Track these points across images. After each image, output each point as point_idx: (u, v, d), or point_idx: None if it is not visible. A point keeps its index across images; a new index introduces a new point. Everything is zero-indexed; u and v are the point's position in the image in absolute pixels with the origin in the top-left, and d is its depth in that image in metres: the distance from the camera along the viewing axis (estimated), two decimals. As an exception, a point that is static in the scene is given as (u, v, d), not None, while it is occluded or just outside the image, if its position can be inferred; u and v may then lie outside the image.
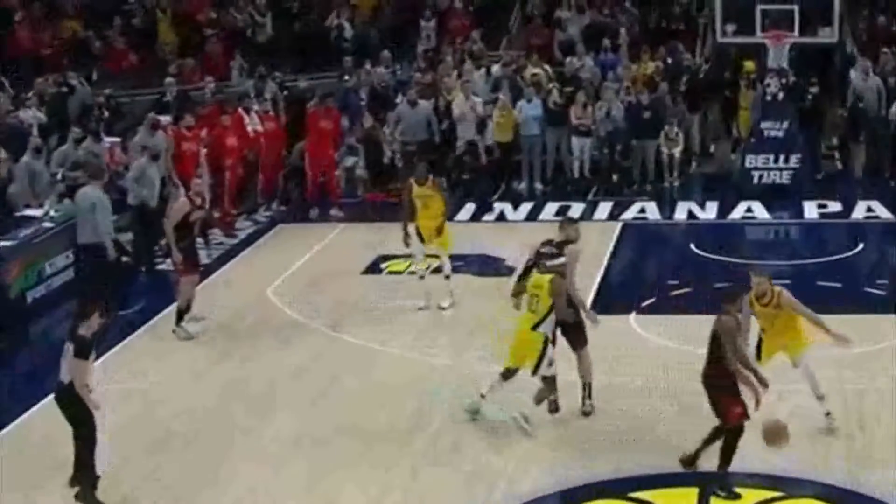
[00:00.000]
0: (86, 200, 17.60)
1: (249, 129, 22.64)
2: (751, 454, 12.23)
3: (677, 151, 24.25)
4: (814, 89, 24.33)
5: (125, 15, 27.56)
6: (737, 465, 12.10)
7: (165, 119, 22.39)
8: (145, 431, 13.78)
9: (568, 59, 26.10)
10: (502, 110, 24.13)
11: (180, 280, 16.52)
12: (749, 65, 25.18)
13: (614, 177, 24.40)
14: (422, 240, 17.51)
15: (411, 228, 17.37)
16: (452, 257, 19.30)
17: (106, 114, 23.60)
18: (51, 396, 13.81)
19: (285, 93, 25.29)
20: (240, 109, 22.70)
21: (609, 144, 24.24)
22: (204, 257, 20.27)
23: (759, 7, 23.44)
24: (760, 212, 22.54)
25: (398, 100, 24.69)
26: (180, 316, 16.42)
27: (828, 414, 13.27)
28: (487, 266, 19.58)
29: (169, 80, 24.79)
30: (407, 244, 17.45)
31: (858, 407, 13.75)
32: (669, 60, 26.04)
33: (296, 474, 12.72)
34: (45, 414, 14.01)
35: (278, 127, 23.57)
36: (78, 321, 12.17)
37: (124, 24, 27.21)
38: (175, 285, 16.96)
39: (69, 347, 11.99)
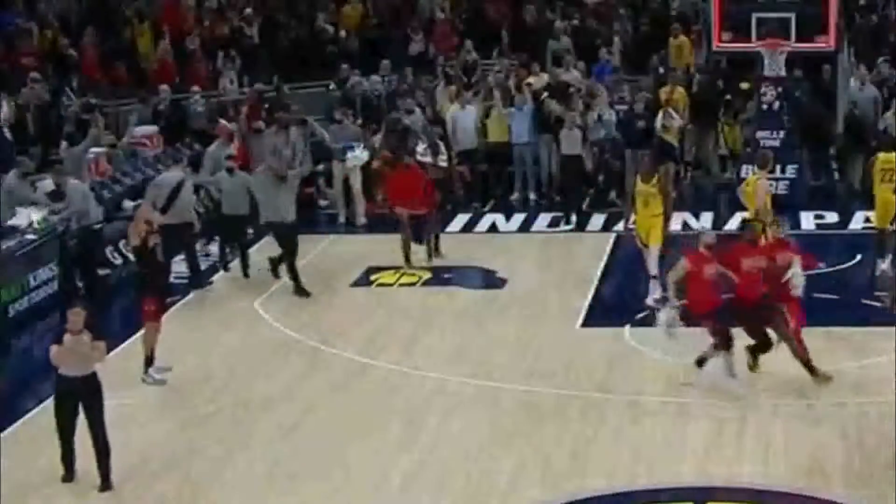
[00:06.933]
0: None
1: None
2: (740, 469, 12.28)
3: (676, 126, 23.64)
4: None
5: (110, 24, 27.27)
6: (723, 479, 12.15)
7: (152, 129, 22.13)
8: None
9: (559, 69, 25.80)
10: (493, 118, 23.80)
11: (145, 325, 15.49)
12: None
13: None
14: None
15: None
16: (444, 269, 19.17)
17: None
18: (35, 409, 14.23)
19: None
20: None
21: (602, 153, 23.94)
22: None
23: (755, 15, 23.17)
24: (756, 223, 22.23)
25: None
26: (148, 363, 15.67)
27: None
28: (478, 279, 19.36)
29: (163, 87, 24.45)
30: None
31: (857, 423, 13.50)
32: (661, 70, 25.76)
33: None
34: (27, 429, 14.03)
35: None
36: None
37: (109, 34, 26.95)
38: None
39: None
